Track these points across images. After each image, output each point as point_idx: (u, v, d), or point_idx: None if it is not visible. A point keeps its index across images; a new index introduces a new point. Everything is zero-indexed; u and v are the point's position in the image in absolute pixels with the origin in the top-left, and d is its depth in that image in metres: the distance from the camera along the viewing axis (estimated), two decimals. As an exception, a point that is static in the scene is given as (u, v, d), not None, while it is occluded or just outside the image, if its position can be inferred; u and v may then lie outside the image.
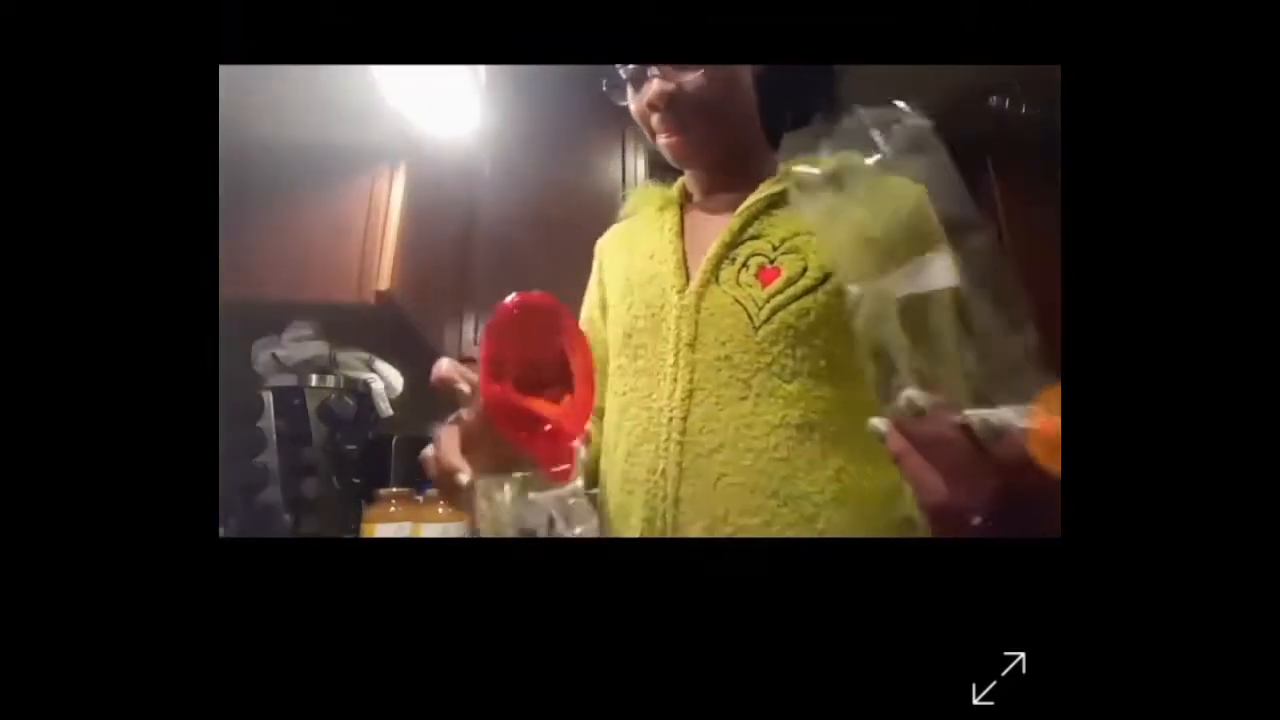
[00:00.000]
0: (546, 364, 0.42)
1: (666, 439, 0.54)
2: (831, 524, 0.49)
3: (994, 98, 1.84)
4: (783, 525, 0.50)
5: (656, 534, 0.53)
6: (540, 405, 0.40)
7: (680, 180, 0.70)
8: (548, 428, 0.39)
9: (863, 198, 0.57)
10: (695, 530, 0.52)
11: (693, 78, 0.58)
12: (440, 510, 1.07)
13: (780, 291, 0.54)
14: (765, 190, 0.60)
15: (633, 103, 0.63)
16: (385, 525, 1.14)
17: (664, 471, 0.54)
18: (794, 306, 0.53)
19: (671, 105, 0.59)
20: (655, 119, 0.61)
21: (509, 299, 0.41)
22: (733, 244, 0.58)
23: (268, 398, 1.10)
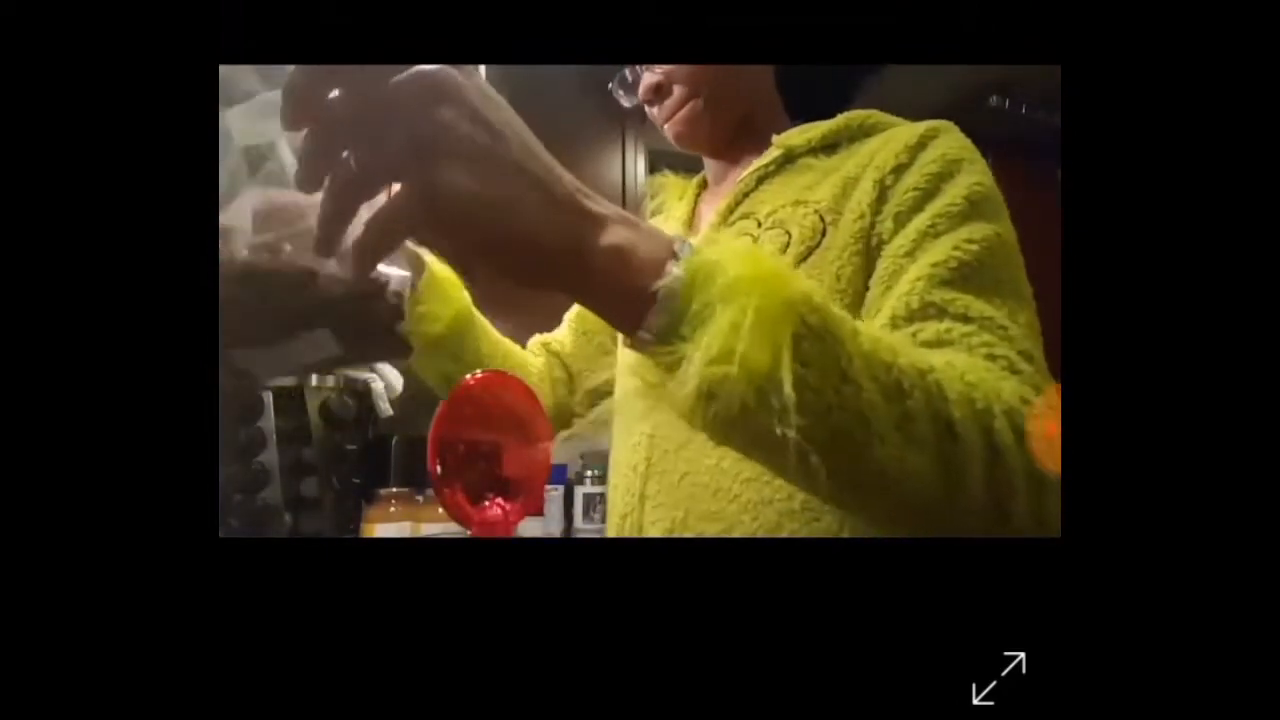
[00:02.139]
0: (500, 444, 0.43)
1: (640, 433, 0.53)
2: (798, 536, 0.44)
3: (994, 97, 1.84)
4: (743, 534, 0.45)
5: (627, 531, 0.52)
6: (485, 517, 0.42)
7: (703, 172, 0.69)
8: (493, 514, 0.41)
9: (859, 150, 0.53)
10: (655, 531, 0.49)
11: (680, 67, 0.58)
12: (440, 510, 1.07)
13: None
14: (755, 165, 0.57)
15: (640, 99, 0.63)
16: (385, 525, 1.14)
17: (635, 466, 0.53)
18: None
19: (659, 94, 0.59)
20: (654, 111, 0.61)
21: (469, 378, 0.42)
22: (722, 223, 0.56)
23: (268, 398, 1.10)
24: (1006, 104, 1.87)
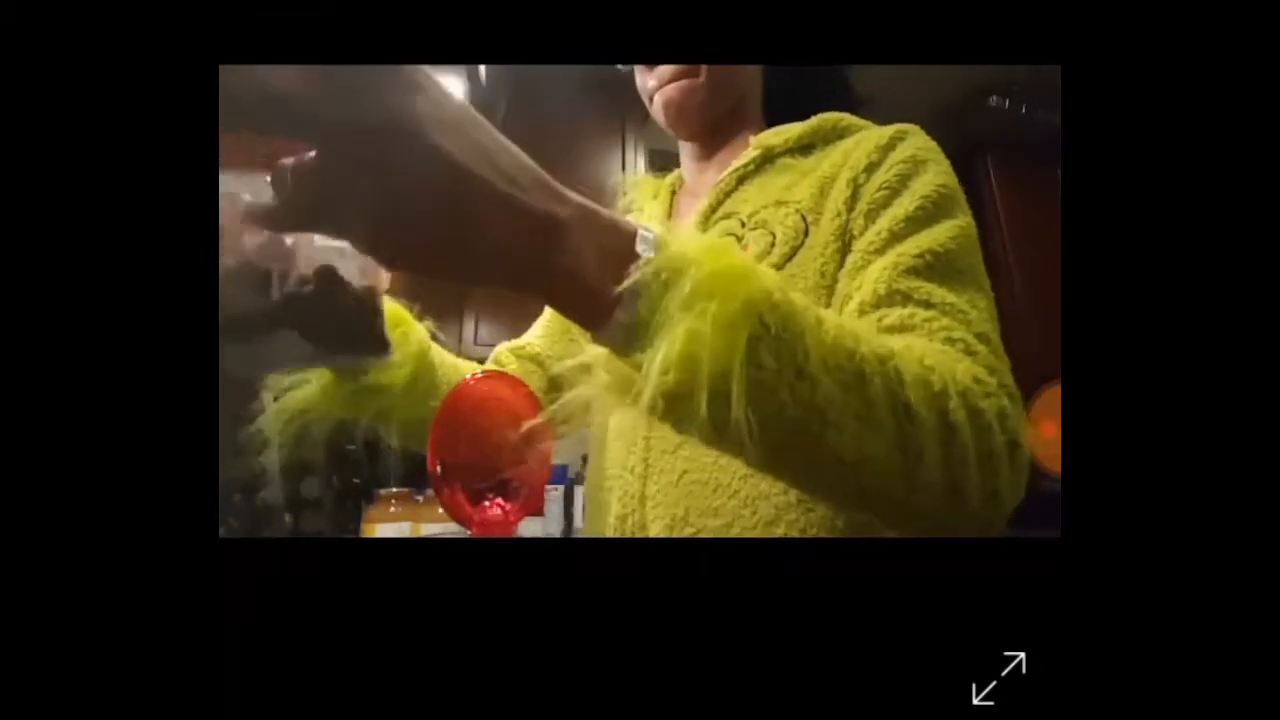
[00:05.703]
0: (502, 445, 0.43)
1: (636, 435, 0.53)
2: (794, 529, 0.45)
3: (994, 97, 1.85)
4: (742, 529, 0.46)
5: (627, 531, 0.52)
6: (485, 517, 0.41)
7: (677, 171, 0.69)
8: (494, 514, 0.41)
9: (834, 151, 0.54)
10: (656, 529, 0.50)
11: None
12: (440, 510, 1.07)
13: None
14: (736, 164, 0.58)
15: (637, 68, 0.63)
16: (385, 525, 1.14)
17: (633, 468, 0.53)
18: None
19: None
20: (649, 81, 0.61)
21: (469, 378, 0.42)
22: (704, 224, 0.56)
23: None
24: (1006, 104, 1.88)
